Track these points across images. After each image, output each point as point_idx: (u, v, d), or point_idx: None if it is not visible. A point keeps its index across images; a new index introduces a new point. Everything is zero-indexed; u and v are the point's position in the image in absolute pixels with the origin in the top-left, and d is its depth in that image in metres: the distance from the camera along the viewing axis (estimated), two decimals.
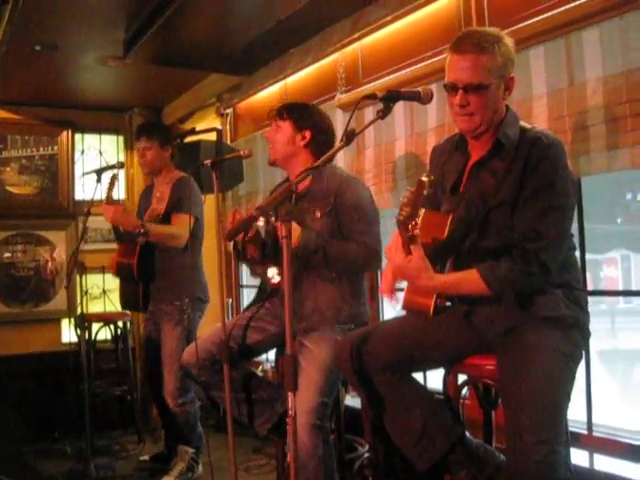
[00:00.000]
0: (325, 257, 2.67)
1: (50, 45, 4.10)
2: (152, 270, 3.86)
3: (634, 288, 10.03)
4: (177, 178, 3.89)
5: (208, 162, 2.85)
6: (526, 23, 2.77)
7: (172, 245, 3.73)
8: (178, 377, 3.69)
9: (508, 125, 2.15)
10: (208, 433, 3.99)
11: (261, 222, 2.50)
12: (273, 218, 2.62)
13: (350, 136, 1.98)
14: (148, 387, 4.28)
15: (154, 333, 3.92)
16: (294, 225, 2.62)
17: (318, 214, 2.77)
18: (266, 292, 3.00)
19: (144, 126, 4.10)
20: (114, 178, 3.69)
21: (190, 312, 3.78)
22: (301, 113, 2.90)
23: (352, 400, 3.37)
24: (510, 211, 2.09)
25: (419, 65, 3.30)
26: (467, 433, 2.30)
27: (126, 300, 4.02)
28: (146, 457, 4.14)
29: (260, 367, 4.56)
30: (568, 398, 2.01)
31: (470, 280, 2.06)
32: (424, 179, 1.91)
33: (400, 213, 1.91)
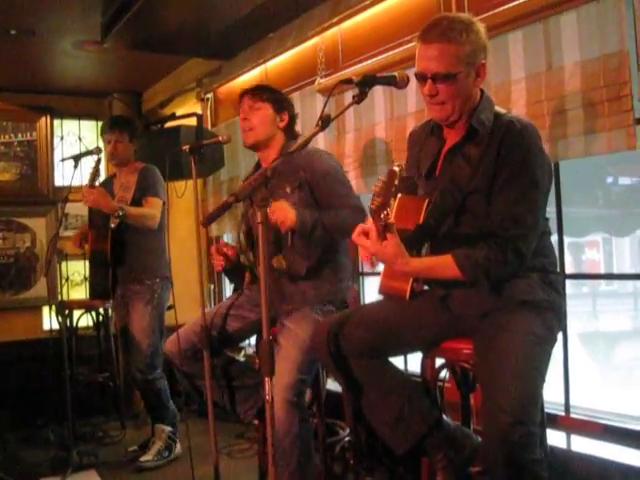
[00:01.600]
0: (324, 230, 2.66)
1: (26, 30, 4.05)
2: (124, 253, 3.92)
3: (615, 271, 10.10)
4: (142, 167, 4.03)
5: (186, 148, 2.84)
6: (504, 7, 2.77)
7: (147, 225, 3.85)
8: (148, 354, 3.84)
9: (482, 110, 2.14)
10: (190, 418, 4.00)
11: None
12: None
13: (325, 121, 1.98)
14: (128, 372, 4.32)
15: (127, 318, 3.98)
16: (286, 206, 2.62)
17: (288, 189, 2.77)
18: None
19: (116, 119, 4.25)
20: (98, 163, 3.72)
21: (160, 292, 3.93)
22: (277, 95, 2.94)
23: (333, 384, 3.38)
24: (485, 198, 2.09)
25: (399, 49, 3.29)
26: (444, 416, 2.31)
27: (95, 288, 4.01)
28: (135, 447, 4.13)
29: (242, 352, 4.57)
30: (543, 380, 2.03)
31: (445, 265, 2.06)
32: (395, 169, 1.92)
33: (372, 202, 1.91)
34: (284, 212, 2.60)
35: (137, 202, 3.91)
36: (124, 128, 4.02)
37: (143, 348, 3.84)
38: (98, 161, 3.72)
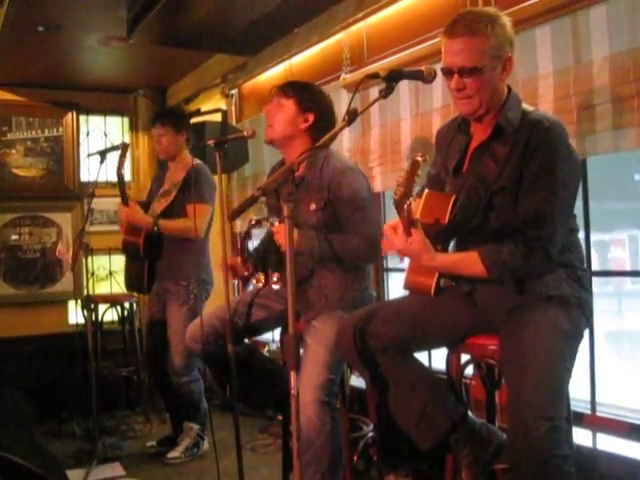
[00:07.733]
0: (332, 254, 2.63)
1: (53, 26, 4.09)
2: (159, 249, 3.89)
3: None
4: (192, 165, 3.90)
5: (211, 142, 2.83)
6: (532, 1, 2.74)
7: (186, 237, 3.76)
8: (184, 356, 3.76)
9: (509, 108, 2.13)
10: (214, 413, 4.01)
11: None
12: (269, 224, 2.65)
13: (352, 116, 1.97)
14: (148, 368, 4.34)
15: (159, 314, 3.96)
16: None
17: (313, 206, 2.69)
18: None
19: (159, 113, 4.10)
20: (125, 151, 3.67)
21: (196, 292, 3.85)
22: (307, 93, 2.76)
23: (357, 380, 3.37)
24: (512, 196, 2.08)
25: (425, 44, 3.26)
26: (470, 413, 2.30)
27: (130, 281, 4.04)
28: (153, 442, 4.16)
29: (266, 347, 4.58)
30: (569, 375, 2.02)
31: (470, 262, 2.07)
32: (418, 159, 1.93)
33: (395, 192, 1.91)
34: None
35: (179, 202, 3.84)
36: (166, 121, 3.89)
37: (179, 350, 3.77)
38: (124, 149, 3.66)
